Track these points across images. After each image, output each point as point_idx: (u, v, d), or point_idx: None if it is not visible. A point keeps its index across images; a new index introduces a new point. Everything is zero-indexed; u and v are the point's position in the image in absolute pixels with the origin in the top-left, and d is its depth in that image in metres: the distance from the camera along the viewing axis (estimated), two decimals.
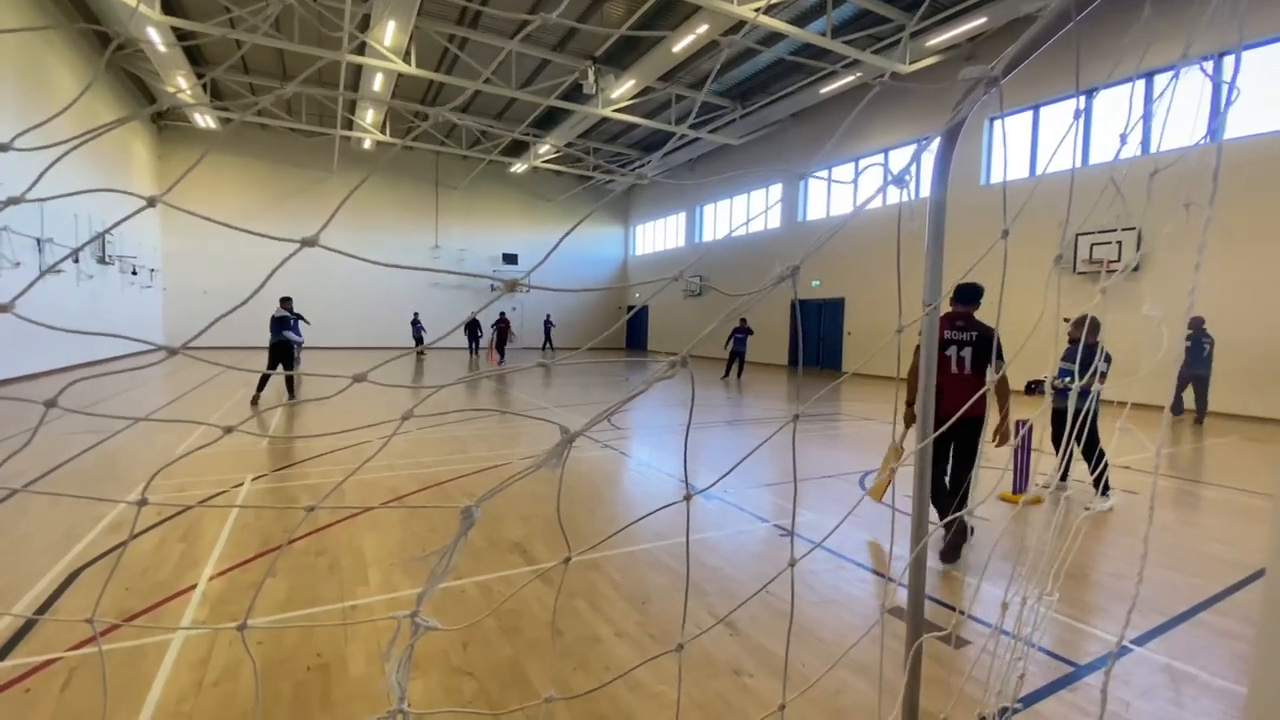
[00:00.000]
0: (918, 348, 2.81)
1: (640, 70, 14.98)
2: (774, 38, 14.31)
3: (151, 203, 0.62)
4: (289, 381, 10.61)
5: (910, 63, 14.12)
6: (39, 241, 11.85)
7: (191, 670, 2.43)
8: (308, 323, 10.11)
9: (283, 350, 9.65)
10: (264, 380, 9.87)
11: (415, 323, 22.14)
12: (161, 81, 16.82)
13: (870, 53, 13.79)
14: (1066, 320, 5.32)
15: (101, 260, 15.12)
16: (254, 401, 9.43)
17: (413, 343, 22.47)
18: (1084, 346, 4.73)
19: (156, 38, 13.36)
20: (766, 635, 2.81)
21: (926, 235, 1.79)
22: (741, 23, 12.39)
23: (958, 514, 3.41)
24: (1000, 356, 3.37)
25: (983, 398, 3.28)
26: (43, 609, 2.92)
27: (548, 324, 27.15)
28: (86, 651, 2.54)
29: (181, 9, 13.94)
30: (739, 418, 9.52)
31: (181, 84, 16.47)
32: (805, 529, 4.36)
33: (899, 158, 16.84)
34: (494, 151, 23.38)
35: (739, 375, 15.55)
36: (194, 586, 3.15)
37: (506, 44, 14.81)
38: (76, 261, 13.70)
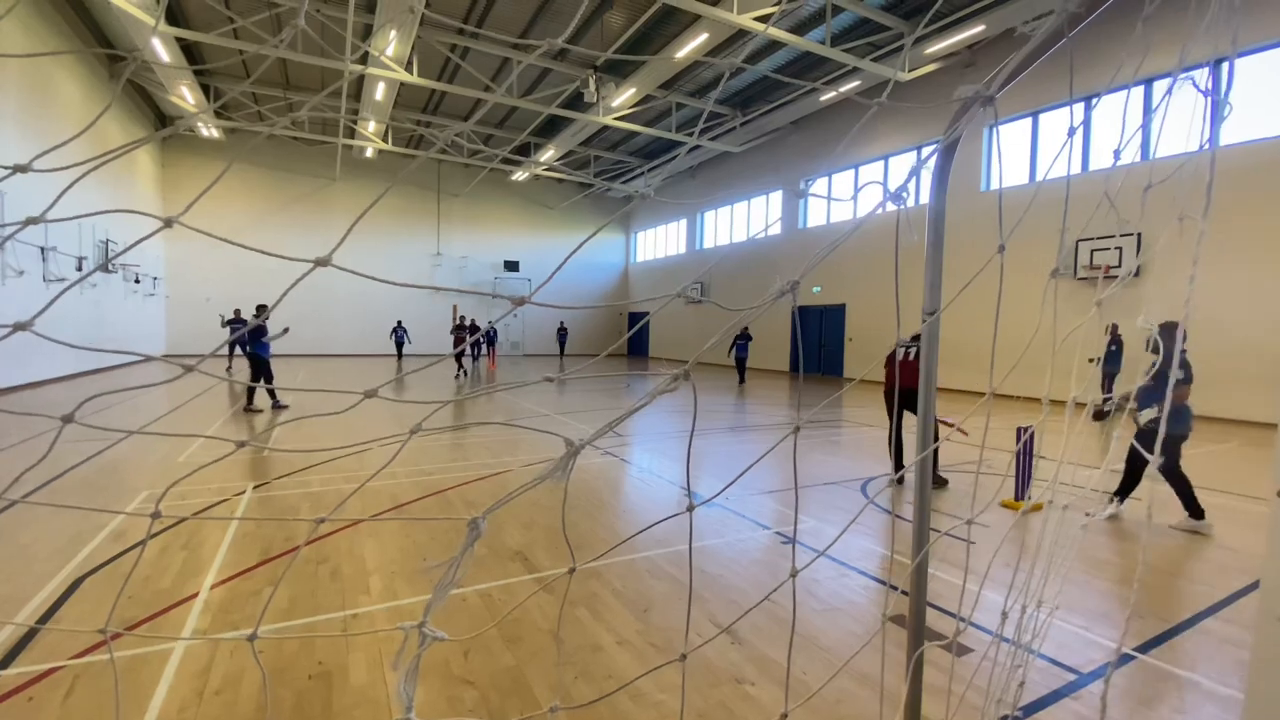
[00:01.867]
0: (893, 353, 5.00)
1: (641, 79, 15.09)
2: (774, 46, 14.39)
3: (169, 224, 0.64)
4: (269, 392, 10.17)
5: (909, 70, 14.20)
6: (43, 250, 11.92)
7: (193, 679, 2.43)
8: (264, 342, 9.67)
9: (261, 360, 9.56)
10: (254, 390, 9.85)
11: (397, 330, 22.40)
12: (166, 92, 16.95)
13: (869, 61, 13.88)
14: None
15: (105, 269, 15.18)
16: (246, 410, 9.47)
17: (394, 350, 22.90)
18: (1166, 355, 4.42)
19: (162, 50, 13.48)
20: (768, 644, 2.80)
21: (926, 245, 1.80)
22: (741, 31, 12.47)
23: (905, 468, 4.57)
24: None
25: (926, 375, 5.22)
26: (45, 617, 2.93)
27: (563, 333, 27.54)
28: (89, 660, 2.55)
29: (185, 19, 14.06)
30: (740, 425, 9.51)
31: (188, 97, 16.62)
32: (806, 536, 4.35)
33: (899, 165, 16.89)
34: (495, 160, 23.50)
35: (742, 381, 15.83)
36: (196, 595, 3.16)
37: (508, 54, 14.92)
38: (79, 270, 13.76)
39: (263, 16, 12.80)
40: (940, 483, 5.63)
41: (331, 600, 3.14)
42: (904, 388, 5.46)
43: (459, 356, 17.68)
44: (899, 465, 5.55)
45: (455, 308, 19.79)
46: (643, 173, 24.77)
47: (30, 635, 2.74)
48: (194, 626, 2.85)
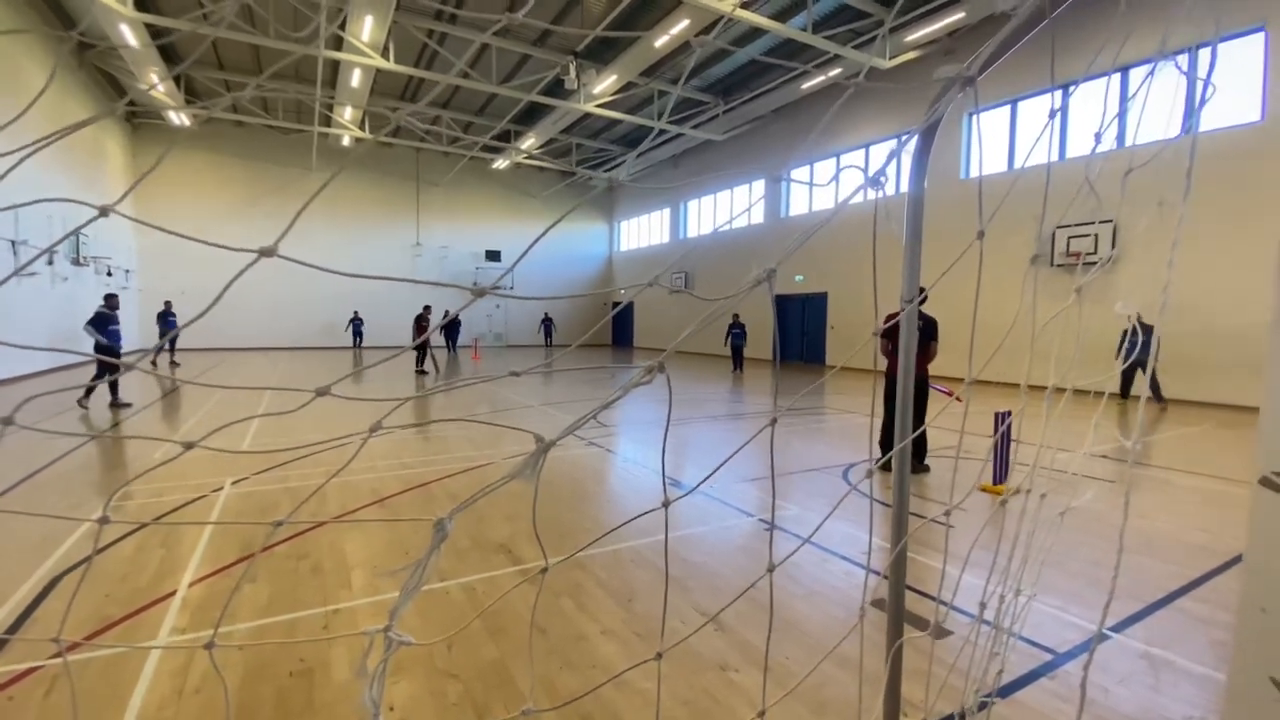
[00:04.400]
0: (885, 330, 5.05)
1: (622, 66, 14.93)
2: (755, 33, 14.32)
3: (104, 212, 0.60)
4: (113, 386, 9.48)
5: (890, 58, 14.21)
6: (14, 244, 11.60)
7: (172, 677, 2.39)
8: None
9: (109, 354, 8.82)
10: (103, 384, 9.14)
11: (355, 320, 22.51)
12: (136, 80, 16.46)
13: (851, 48, 13.86)
14: None
15: (76, 262, 14.80)
16: (86, 407, 8.78)
17: (352, 342, 23.00)
18: None
19: (130, 35, 13.06)
20: (752, 630, 2.82)
21: (905, 232, 1.80)
22: (722, 17, 12.38)
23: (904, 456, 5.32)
24: (935, 336, 5.60)
25: (924, 363, 5.59)
26: (24, 615, 2.86)
27: (548, 323, 27.59)
28: (68, 659, 2.49)
29: (155, 5, 13.63)
30: (727, 413, 9.55)
31: (154, 80, 16.14)
32: (790, 523, 4.38)
33: (880, 153, 16.95)
34: (476, 148, 23.20)
35: (738, 369, 16.31)
36: (174, 593, 3.10)
37: (486, 39, 14.68)
38: (51, 264, 13.41)
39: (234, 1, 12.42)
40: (923, 469, 5.71)
41: (313, 596, 3.10)
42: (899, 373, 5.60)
43: (420, 350, 15.44)
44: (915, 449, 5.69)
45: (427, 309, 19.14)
46: (624, 161, 24.62)
47: (11, 632, 2.68)
48: (172, 625, 2.80)
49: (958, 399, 6.75)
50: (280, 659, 2.54)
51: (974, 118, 14.33)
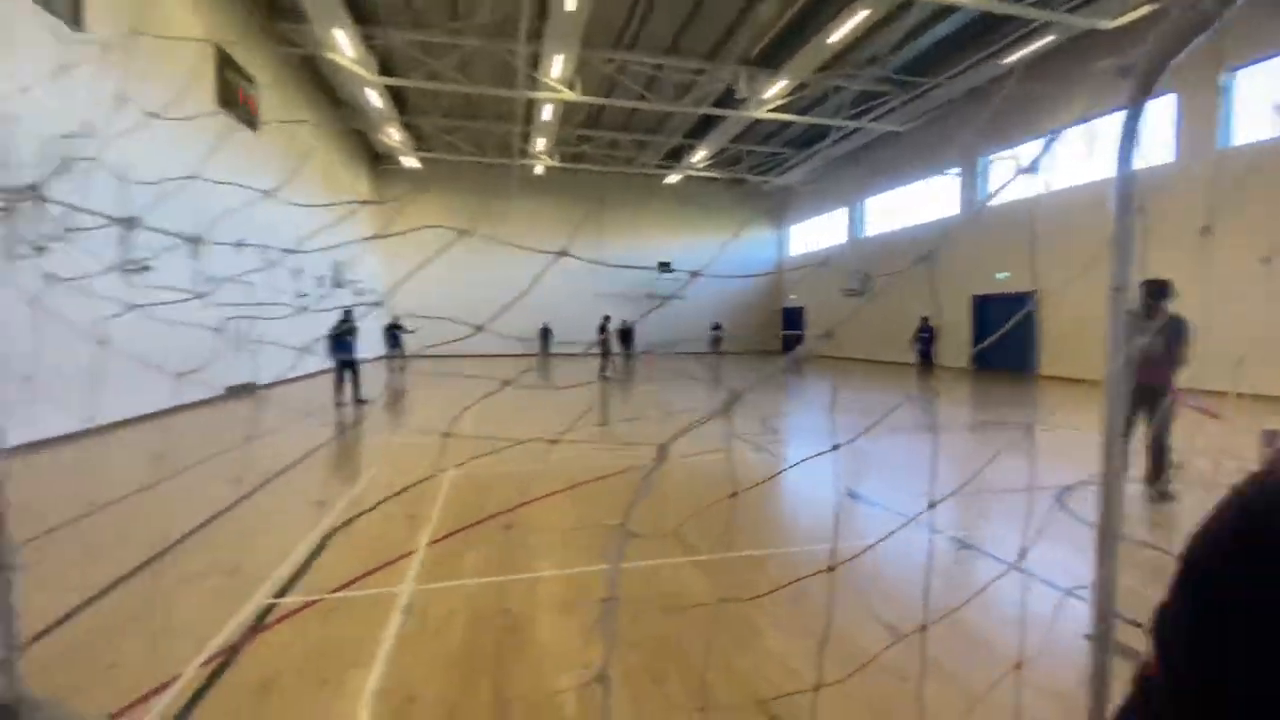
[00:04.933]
0: None
1: (794, 67, 14.67)
2: (943, 12, 13.16)
3: (465, 232, 0.86)
4: (356, 387, 10.85)
5: (1114, 17, 12.22)
6: (292, 272, 14.78)
7: (414, 620, 2.94)
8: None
9: (350, 366, 10.54)
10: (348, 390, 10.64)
11: (545, 329, 24.93)
12: (376, 131, 20.03)
13: (1063, 12, 12.16)
14: None
15: (338, 285, 18.38)
16: (339, 404, 10.37)
17: (541, 349, 25.20)
18: None
19: (375, 97, 15.93)
20: (934, 644, 2.69)
21: (1114, 214, 1.64)
22: (905, 3, 11.65)
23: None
24: (1185, 340, 4.72)
25: (1169, 373, 4.84)
26: (307, 563, 3.68)
27: (717, 330, 28.07)
28: (341, 596, 3.20)
29: (391, 68, 16.44)
30: (911, 425, 8.91)
31: (394, 135, 19.52)
32: (989, 544, 4.05)
33: (1104, 127, 14.56)
34: (651, 165, 24.35)
35: (928, 367, 15.59)
36: (413, 552, 3.78)
37: (661, 60, 15.39)
38: (320, 287, 16.78)
39: (453, 58, 14.56)
40: (1166, 496, 4.86)
41: (519, 563, 3.59)
42: (1141, 384, 4.82)
43: (602, 356, 17.71)
44: (1152, 473, 4.96)
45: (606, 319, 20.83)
46: (796, 165, 24.11)
47: (299, 574, 3.48)
48: (414, 576, 3.43)
49: (1214, 415, 5.58)
50: (495, 614, 2.99)
51: (1241, 73, 11.72)
